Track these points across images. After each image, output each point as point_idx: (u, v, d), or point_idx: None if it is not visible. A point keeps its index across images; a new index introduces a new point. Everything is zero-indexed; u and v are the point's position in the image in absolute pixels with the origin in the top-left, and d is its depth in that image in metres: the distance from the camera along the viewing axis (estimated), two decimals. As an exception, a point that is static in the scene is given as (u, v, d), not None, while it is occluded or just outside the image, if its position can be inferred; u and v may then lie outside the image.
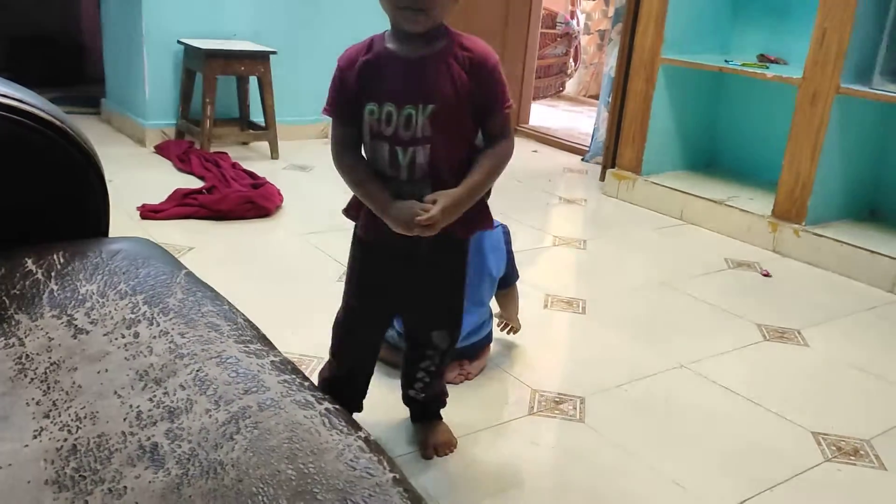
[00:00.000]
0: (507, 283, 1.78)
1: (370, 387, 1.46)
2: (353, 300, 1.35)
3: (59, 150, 1.02)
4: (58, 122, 1.01)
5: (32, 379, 0.74)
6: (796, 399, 1.75)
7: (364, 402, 1.46)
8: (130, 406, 0.69)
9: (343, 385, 1.41)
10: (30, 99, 1.02)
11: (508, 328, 1.84)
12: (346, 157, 1.22)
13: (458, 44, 1.17)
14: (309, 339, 1.79)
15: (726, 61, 2.95)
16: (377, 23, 3.62)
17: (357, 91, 1.19)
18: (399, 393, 1.48)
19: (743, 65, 2.87)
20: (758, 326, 2.11)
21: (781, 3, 3.11)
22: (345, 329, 1.38)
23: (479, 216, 1.26)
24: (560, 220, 3.02)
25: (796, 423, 1.64)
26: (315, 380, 1.49)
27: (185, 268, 0.99)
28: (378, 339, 1.42)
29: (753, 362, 1.91)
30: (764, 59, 3.01)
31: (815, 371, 1.90)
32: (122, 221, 2.42)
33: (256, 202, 2.62)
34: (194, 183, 2.87)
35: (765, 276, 2.50)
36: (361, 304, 1.35)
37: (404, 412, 1.50)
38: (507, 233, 1.72)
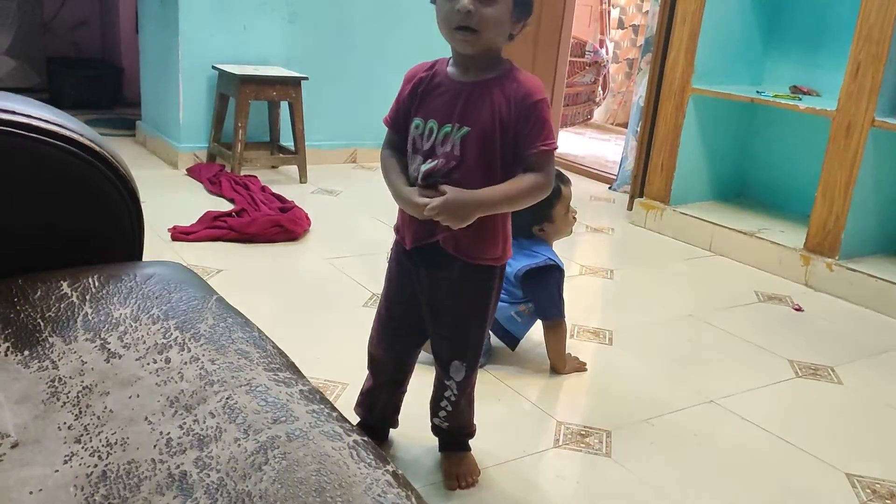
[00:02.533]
0: (543, 315, 1.84)
1: (402, 414, 1.50)
2: (381, 305, 1.42)
3: (98, 174, 1.03)
4: (97, 148, 1.03)
5: (65, 403, 0.74)
6: (830, 439, 1.70)
7: (394, 428, 1.52)
8: (160, 433, 0.69)
9: (374, 397, 1.47)
10: (70, 124, 1.04)
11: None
12: (388, 153, 1.32)
13: (511, 76, 1.23)
14: (335, 365, 1.79)
15: (758, 92, 2.93)
16: (409, 52, 3.75)
17: (408, 104, 1.29)
18: (428, 420, 1.47)
19: (775, 96, 2.85)
20: (790, 362, 2.07)
21: (814, 34, 3.09)
22: (373, 336, 1.44)
23: (484, 241, 1.28)
24: (587, 249, 3.01)
25: (830, 464, 1.59)
26: (342, 407, 1.48)
27: (216, 293, 0.99)
28: (405, 353, 1.44)
29: (785, 399, 1.87)
30: (796, 90, 2.99)
31: (849, 410, 1.85)
32: (154, 242, 2.45)
33: (285, 226, 2.64)
34: (224, 205, 2.91)
35: (797, 310, 2.46)
36: (387, 310, 1.40)
37: (433, 441, 1.49)
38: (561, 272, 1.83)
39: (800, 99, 2.82)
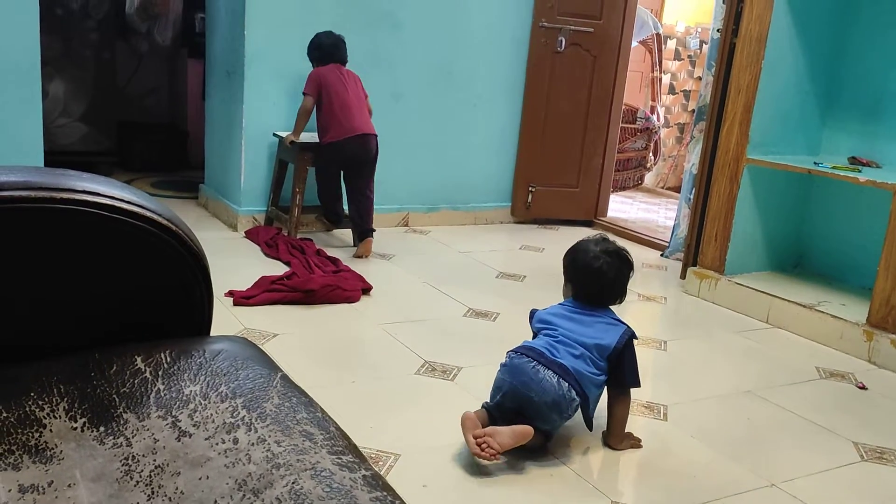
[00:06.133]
0: (623, 384, 1.85)
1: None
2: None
3: (174, 252, 1.08)
4: (173, 227, 1.08)
5: (138, 482, 0.77)
6: (901, 529, 1.63)
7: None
8: (229, 518, 0.71)
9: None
10: (149, 204, 1.10)
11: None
12: None
13: None
14: (387, 435, 1.79)
15: (816, 163, 2.91)
16: (459, 117, 3.87)
17: None
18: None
19: (833, 168, 2.81)
20: (854, 444, 1.99)
21: (872, 104, 3.07)
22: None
23: None
24: (639, 319, 2.97)
25: (902, 558, 1.52)
26: (394, 479, 1.48)
27: (281, 370, 1.02)
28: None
29: (850, 484, 1.80)
30: (855, 161, 2.95)
31: (921, 498, 1.77)
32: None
33: (342, 286, 2.70)
34: (279, 268, 2.98)
35: (860, 388, 2.37)
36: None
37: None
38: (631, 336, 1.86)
39: (859, 171, 2.78)
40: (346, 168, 3.32)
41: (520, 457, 1.76)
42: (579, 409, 1.80)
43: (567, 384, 1.73)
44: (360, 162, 3.26)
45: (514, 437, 1.68)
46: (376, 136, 3.29)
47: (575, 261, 1.91)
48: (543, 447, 1.79)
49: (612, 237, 2.05)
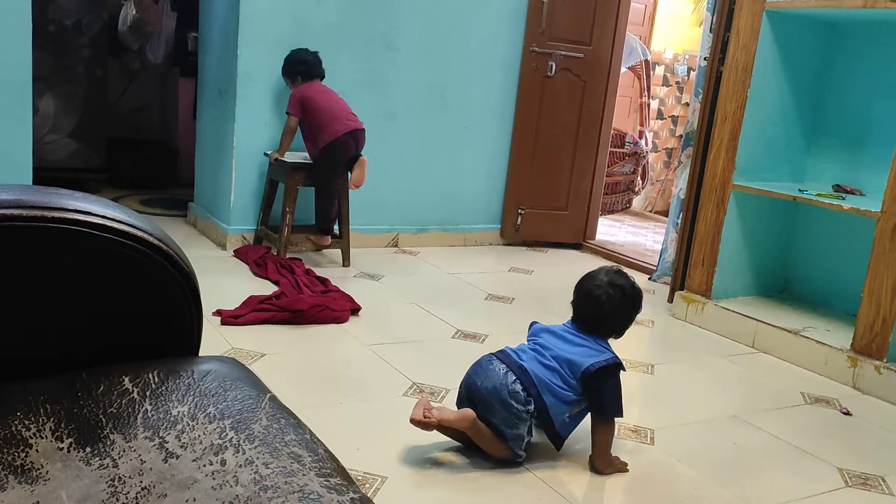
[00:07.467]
0: (602, 412, 1.84)
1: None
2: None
3: (164, 272, 1.08)
4: (164, 247, 1.09)
5: (124, 503, 0.76)
6: (885, 556, 1.63)
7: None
8: (216, 541, 0.70)
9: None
10: (140, 224, 1.10)
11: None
12: None
13: None
14: (374, 457, 1.78)
15: (800, 190, 2.94)
16: (450, 139, 3.89)
17: None
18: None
19: (818, 195, 2.85)
20: (839, 470, 2.00)
21: (856, 133, 3.11)
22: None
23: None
24: (627, 342, 2.96)
25: (886, 585, 1.52)
26: (381, 502, 1.48)
27: (270, 391, 1.02)
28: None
29: (836, 511, 1.81)
30: (839, 189, 2.99)
31: (905, 525, 1.78)
32: (200, 324, 2.50)
33: (330, 306, 2.69)
34: (268, 288, 2.97)
35: (845, 414, 2.39)
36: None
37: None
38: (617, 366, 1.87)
39: (843, 198, 2.82)
40: (345, 166, 3.36)
41: (504, 475, 1.76)
42: (543, 423, 1.82)
43: (514, 378, 1.78)
44: (354, 158, 3.37)
45: (455, 415, 1.79)
46: (363, 130, 3.37)
47: (581, 285, 1.94)
48: (512, 461, 1.81)
49: (624, 269, 2.07)
